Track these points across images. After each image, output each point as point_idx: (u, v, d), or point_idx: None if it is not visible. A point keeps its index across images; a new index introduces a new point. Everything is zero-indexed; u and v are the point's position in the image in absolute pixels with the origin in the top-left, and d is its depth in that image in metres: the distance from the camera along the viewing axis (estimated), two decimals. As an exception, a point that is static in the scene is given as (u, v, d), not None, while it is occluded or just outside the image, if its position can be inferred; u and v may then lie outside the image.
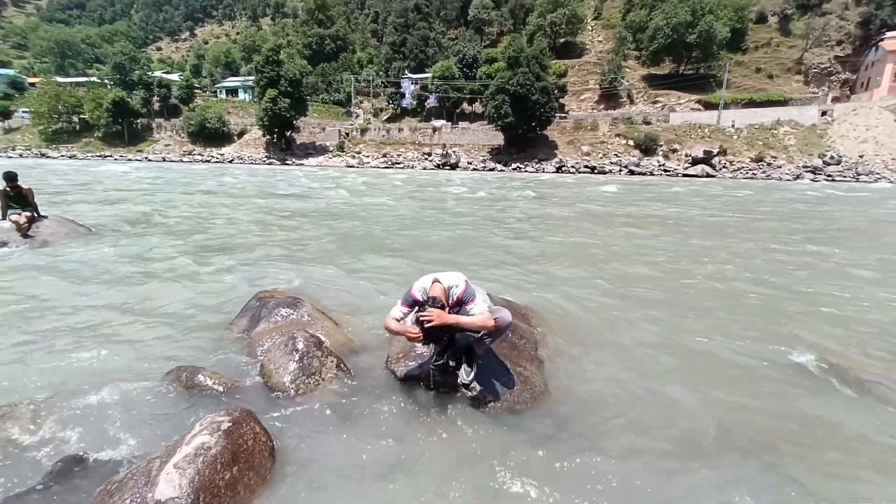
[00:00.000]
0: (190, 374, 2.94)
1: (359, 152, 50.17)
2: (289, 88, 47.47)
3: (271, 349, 3.20)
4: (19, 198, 7.38)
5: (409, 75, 60.16)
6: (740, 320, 4.57)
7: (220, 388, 2.89)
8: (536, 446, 2.55)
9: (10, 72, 76.55)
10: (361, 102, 63.79)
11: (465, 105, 55.61)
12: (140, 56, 66.86)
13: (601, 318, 4.59)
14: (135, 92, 58.09)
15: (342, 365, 3.20)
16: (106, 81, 62.45)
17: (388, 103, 61.17)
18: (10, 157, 50.74)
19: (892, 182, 31.72)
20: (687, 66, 53.49)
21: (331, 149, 51.54)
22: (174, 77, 67.63)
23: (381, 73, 63.50)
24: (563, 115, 49.22)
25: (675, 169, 38.20)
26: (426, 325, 2.55)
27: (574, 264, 6.73)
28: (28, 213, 7.34)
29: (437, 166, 43.95)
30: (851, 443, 2.70)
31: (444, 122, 52.40)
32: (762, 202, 17.34)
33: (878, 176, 33.64)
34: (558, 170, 40.64)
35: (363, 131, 54.29)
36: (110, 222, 9.34)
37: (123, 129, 56.00)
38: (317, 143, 53.01)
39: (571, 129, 47.20)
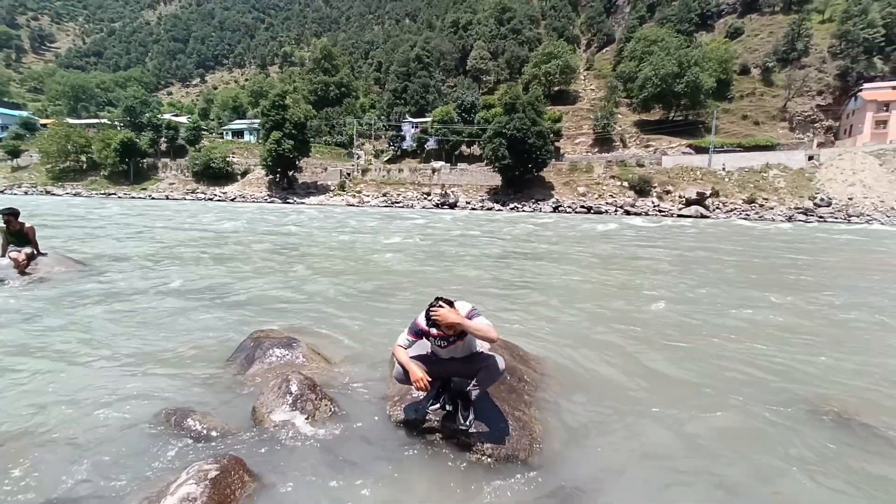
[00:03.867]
0: (180, 417, 2.86)
1: (359, 192, 51.13)
2: (293, 131, 49.10)
3: (264, 391, 3.14)
4: (20, 235, 7.42)
5: (410, 119, 62.44)
6: (746, 369, 4.51)
7: (211, 432, 2.80)
8: (536, 499, 2.45)
9: (24, 113, 79.40)
10: (363, 144, 65.80)
11: (463, 147, 57.35)
12: (151, 100, 69.67)
13: (602, 360, 4.53)
14: (143, 133, 59.96)
15: (336, 408, 3.12)
16: (116, 123, 64.62)
17: (389, 145, 63.09)
18: (16, 193, 51.54)
19: (882, 223, 32.27)
20: (676, 112, 55.82)
21: (332, 188, 52.56)
22: (182, 119, 70.10)
23: (382, 117, 65.95)
24: (558, 157, 50.72)
25: (670, 210, 38.90)
26: (432, 317, 2.60)
27: (575, 306, 6.71)
28: (28, 251, 7.36)
29: (437, 206, 44.66)
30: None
31: (443, 163, 53.82)
32: (768, 243, 17.53)
33: (868, 217, 34.27)
34: (555, 209, 41.31)
35: (364, 172, 55.60)
36: (109, 259, 9.36)
37: (129, 169, 57.28)
38: (318, 183, 54.12)
39: (567, 171, 48.44)
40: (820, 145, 49.70)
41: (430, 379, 2.73)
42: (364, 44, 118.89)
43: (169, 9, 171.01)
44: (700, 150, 48.68)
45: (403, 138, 60.98)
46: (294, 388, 3.01)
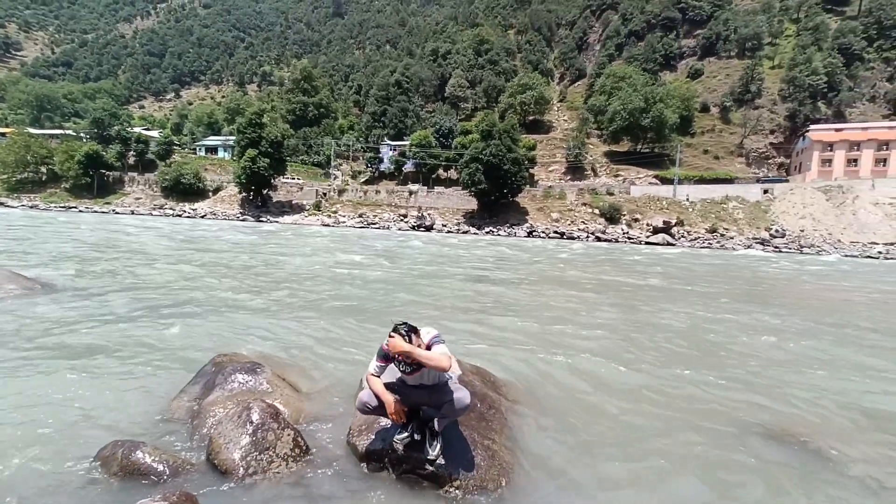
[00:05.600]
0: (127, 451, 2.67)
1: (335, 212, 50.71)
2: (269, 149, 48.62)
3: (222, 421, 2.98)
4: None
5: (388, 142, 63.06)
6: (712, 392, 4.63)
7: (161, 467, 2.63)
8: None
9: (-19, 122, 75.63)
10: (340, 165, 65.75)
11: (440, 171, 58.15)
12: (121, 112, 67.82)
13: (572, 385, 4.56)
14: (111, 146, 58.03)
15: (299, 439, 2.99)
16: (82, 135, 62.36)
17: (367, 167, 63.28)
18: (-36, 205, 48.41)
19: (832, 253, 34.42)
20: (643, 144, 58.72)
21: (307, 207, 51.92)
22: (154, 133, 68.37)
23: (361, 138, 66.37)
24: (533, 184, 52.10)
25: (639, 237, 40.31)
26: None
27: (546, 329, 6.77)
28: (-28, 267, 6.90)
29: (413, 227, 44.73)
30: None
31: (420, 186, 54.28)
32: (729, 271, 18.34)
33: (818, 248, 36.50)
34: (529, 234, 42.09)
35: (341, 192, 55.35)
36: (65, 277, 8.84)
37: (93, 181, 55.01)
38: (293, 202, 53.39)
39: (541, 197, 49.71)
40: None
41: (406, 410, 2.68)
42: (344, 67, 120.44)
43: (146, 23, 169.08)
44: (666, 180, 51.13)
45: (381, 160, 61.35)
46: (255, 417, 2.88)
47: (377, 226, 45.66)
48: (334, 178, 60.52)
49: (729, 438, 3.59)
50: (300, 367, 4.56)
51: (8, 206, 49.85)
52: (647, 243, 38.06)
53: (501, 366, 4.89)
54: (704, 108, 65.36)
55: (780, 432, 3.69)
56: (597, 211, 46.05)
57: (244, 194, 52.13)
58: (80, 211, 48.22)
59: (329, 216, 49.35)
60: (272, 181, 51.78)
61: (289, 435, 2.94)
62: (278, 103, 79.60)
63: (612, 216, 44.63)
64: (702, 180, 51.04)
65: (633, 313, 8.36)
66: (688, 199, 46.99)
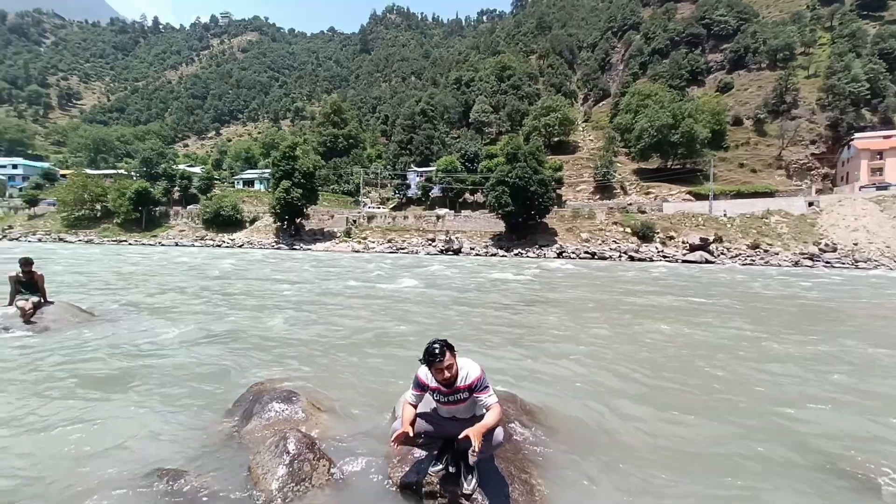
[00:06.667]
0: (171, 479, 2.75)
1: (365, 238, 51.80)
2: (302, 180, 50.69)
3: (261, 450, 3.02)
4: (30, 283, 7.50)
5: (415, 168, 64.52)
6: (759, 423, 4.32)
7: (203, 496, 2.68)
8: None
9: (45, 164, 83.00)
10: (369, 192, 67.59)
11: (467, 195, 58.72)
12: (167, 151, 72.80)
13: (611, 414, 4.36)
14: (158, 183, 62.10)
15: (334, 469, 2.99)
16: (133, 173, 67.15)
17: (395, 193, 64.77)
18: (30, 241, 52.64)
19: (892, 269, 31.97)
20: (674, 161, 57.42)
21: (338, 235, 53.33)
22: (196, 169, 72.83)
23: (388, 166, 68.28)
24: (560, 204, 51.69)
25: (674, 255, 38.90)
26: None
27: (583, 354, 6.56)
28: (35, 299, 7.41)
29: (441, 251, 44.97)
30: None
31: (447, 210, 54.87)
32: (786, 290, 17.34)
33: (876, 263, 34.01)
34: (559, 255, 41.44)
35: (370, 219, 56.65)
36: (115, 307, 9.37)
37: (142, 216, 58.77)
38: (325, 230, 55.01)
39: (570, 217, 49.12)
40: (818, 192, 50.47)
41: (411, 435, 2.66)
42: (372, 99, 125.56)
43: (190, 69, 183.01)
44: (700, 196, 49.53)
45: (409, 186, 62.68)
46: (291, 448, 2.91)
47: (406, 250, 46.20)
48: (364, 206, 62.14)
49: (802, 482, 3.31)
50: (335, 395, 4.58)
51: (67, 241, 53.83)
52: (683, 261, 36.64)
53: (537, 390, 4.75)
54: (737, 122, 63.62)
55: (858, 472, 3.38)
56: (628, 230, 44.96)
57: (279, 224, 54.21)
58: (130, 244, 51.42)
59: (359, 242, 50.43)
60: (305, 210, 53.70)
61: (324, 465, 2.95)
62: (310, 136, 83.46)
63: (644, 234, 43.42)
64: (739, 195, 49.12)
65: (680, 338, 7.99)
66: (725, 215, 45.19)
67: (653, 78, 73.80)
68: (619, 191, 56.81)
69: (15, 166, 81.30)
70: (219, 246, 50.56)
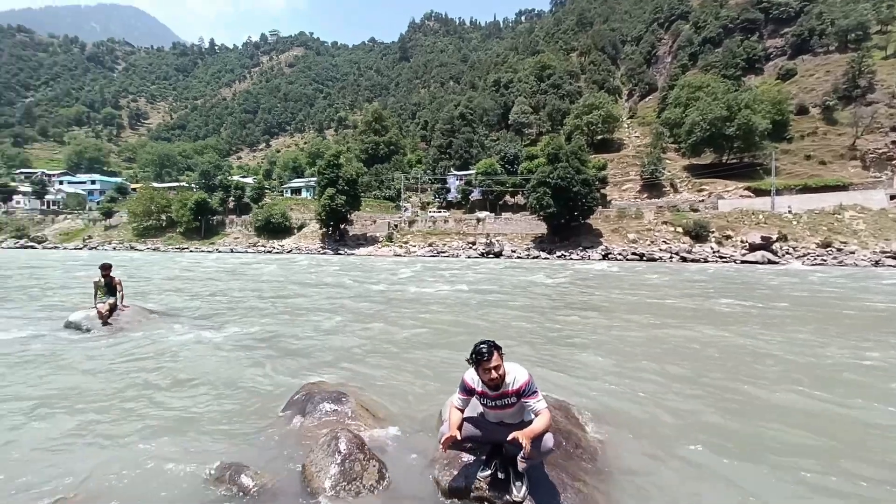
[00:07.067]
0: (234, 473, 2.90)
1: (406, 242, 52.60)
2: (346, 187, 52.37)
3: (314, 449, 3.12)
4: (109, 286, 8.24)
5: (455, 172, 64.77)
6: (823, 440, 3.92)
7: (262, 490, 2.81)
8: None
9: (118, 179, 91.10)
10: (410, 197, 68.61)
11: (507, 197, 58.16)
12: (223, 164, 77.68)
13: (667, 425, 4.12)
14: (215, 193, 66.33)
15: (384, 470, 3.03)
16: (193, 185, 72.20)
17: (435, 197, 65.34)
18: (106, 249, 57.91)
19: None
20: (730, 155, 53.88)
21: (380, 239, 54.54)
22: (249, 180, 77.11)
23: (428, 171, 69.01)
24: (605, 204, 49.97)
25: (732, 255, 36.41)
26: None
27: (635, 360, 6.28)
28: (112, 301, 8.12)
29: (482, 255, 44.79)
30: None
31: (487, 213, 54.61)
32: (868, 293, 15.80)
33: (975, 262, 30.11)
34: (605, 257, 40.03)
35: (411, 223, 57.47)
36: (178, 310, 10.09)
37: (201, 225, 63.02)
38: (368, 235, 56.45)
39: (616, 218, 47.36)
40: (901, 183, 45.46)
41: (458, 439, 2.64)
42: (411, 105, 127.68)
43: (242, 86, 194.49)
44: (760, 192, 46.08)
45: (448, 190, 63.02)
46: (343, 447, 2.97)
47: (446, 254, 46.42)
48: (404, 211, 63.16)
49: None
50: (381, 397, 4.66)
51: (137, 249, 58.73)
52: (743, 262, 34.21)
53: (587, 397, 4.59)
54: (802, 111, 58.70)
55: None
56: (679, 229, 42.63)
57: (324, 229, 56.24)
58: (191, 251, 55.27)
59: (400, 246, 51.26)
60: (348, 216, 55.39)
61: (374, 466, 2.99)
62: (353, 144, 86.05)
63: (698, 234, 40.98)
64: (806, 189, 45.19)
65: (741, 342, 7.46)
66: (790, 211, 41.74)
67: (704, 69, 69.75)
68: (668, 189, 54.04)
69: (93, 182, 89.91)
70: (269, 252, 53.21)
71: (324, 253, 50.82)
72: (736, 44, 70.74)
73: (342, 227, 55.94)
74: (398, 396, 4.72)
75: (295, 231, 60.69)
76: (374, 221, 58.58)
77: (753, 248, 36.09)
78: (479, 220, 53.04)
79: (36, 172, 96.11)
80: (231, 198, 68.05)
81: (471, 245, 48.46)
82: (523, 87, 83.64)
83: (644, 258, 38.28)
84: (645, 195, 53.71)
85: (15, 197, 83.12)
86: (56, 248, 61.19)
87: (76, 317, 7.78)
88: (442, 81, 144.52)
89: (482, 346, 2.57)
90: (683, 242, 40.89)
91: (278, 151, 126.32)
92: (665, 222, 44.52)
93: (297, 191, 76.97)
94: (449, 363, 5.99)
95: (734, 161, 52.95)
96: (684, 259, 36.80)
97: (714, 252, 37.86)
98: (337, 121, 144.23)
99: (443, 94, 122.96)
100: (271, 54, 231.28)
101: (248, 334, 7.72)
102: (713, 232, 41.15)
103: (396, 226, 56.78)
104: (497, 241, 47.73)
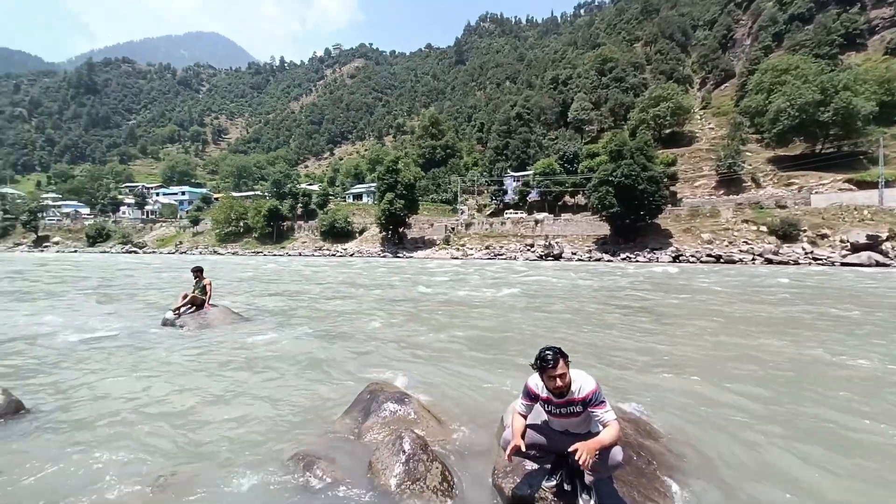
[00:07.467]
0: (307, 464, 3.08)
1: (463, 245, 52.85)
2: (404, 191, 53.82)
3: (379, 446, 3.22)
4: (202, 288, 9.16)
5: (512, 173, 64.02)
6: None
7: (334, 481, 2.97)
8: None
9: (204, 190, 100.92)
10: (466, 200, 68.89)
11: (567, 197, 56.41)
12: (292, 173, 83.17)
13: (749, 441, 3.74)
14: (285, 201, 71.22)
15: (447, 473, 3.05)
16: (266, 194, 78.08)
17: (492, 199, 64.99)
18: (193, 254, 64.37)
19: None
20: (825, 144, 47.99)
21: (437, 242, 55.33)
22: (314, 188, 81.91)
23: (484, 173, 68.84)
24: (675, 203, 46.69)
25: (829, 257, 32.35)
26: (579, 464, 2.36)
27: (722, 377, 5.79)
28: (201, 299, 9.01)
29: (540, 257, 43.81)
30: None
31: (546, 214, 53.33)
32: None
33: None
34: (675, 259, 37.41)
35: (468, 226, 57.68)
36: (258, 310, 10.94)
37: (273, 231, 67.94)
38: (425, 238, 57.51)
39: (687, 217, 44.11)
40: None
41: (524, 450, 2.61)
42: (467, 108, 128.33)
43: (308, 99, 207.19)
44: (865, 185, 40.48)
45: (505, 192, 62.41)
46: (407, 447, 3.04)
47: (504, 256, 45.97)
48: (461, 214, 63.51)
49: None
50: (442, 398, 4.70)
51: (219, 253, 64.60)
52: (843, 264, 30.28)
53: (659, 410, 4.30)
54: (916, 89, 50.81)
55: None
56: (763, 228, 38.67)
57: (384, 233, 58.19)
58: (264, 255, 59.77)
59: (457, 249, 51.62)
60: (406, 220, 56.82)
61: (437, 468, 3.02)
62: (410, 150, 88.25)
63: (786, 233, 36.87)
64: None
65: (849, 365, 6.61)
66: (902, 206, 36.27)
67: (791, 49, 62.78)
68: (749, 184, 49.26)
69: (183, 193, 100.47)
70: (333, 255, 56.05)
71: (383, 256, 52.54)
72: (831, 18, 62.97)
73: (400, 230, 57.50)
74: (458, 399, 4.74)
75: (357, 235, 63.39)
76: (432, 225, 59.55)
77: (857, 248, 31.89)
78: (537, 221, 51.97)
79: (137, 186, 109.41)
80: (299, 204, 72.66)
81: (529, 247, 47.61)
82: (583, 82, 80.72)
83: (721, 260, 35.28)
84: (721, 191, 49.46)
85: (122, 208, 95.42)
86: (153, 252, 69.07)
87: (171, 315, 8.72)
88: (498, 82, 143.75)
89: (547, 352, 2.52)
90: (768, 243, 37.07)
91: (341, 159, 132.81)
92: (746, 220, 40.69)
93: (358, 196, 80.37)
94: (507, 366, 5.91)
95: (830, 150, 47.09)
96: (769, 261, 33.36)
97: (806, 253, 33.93)
98: (395, 127, 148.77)
99: (499, 94, 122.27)
100: (334, 67, 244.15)
101: (314, 333, 8.17)
102: (804, 231, 36.88)
103: (453, 229, 57.28)
104: (556, 243, 46.45)
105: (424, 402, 4.27)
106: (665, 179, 44.06)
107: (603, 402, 2.54)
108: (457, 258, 47.30)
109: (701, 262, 35.55)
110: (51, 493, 2.93)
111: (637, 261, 38.10)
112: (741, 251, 36.47)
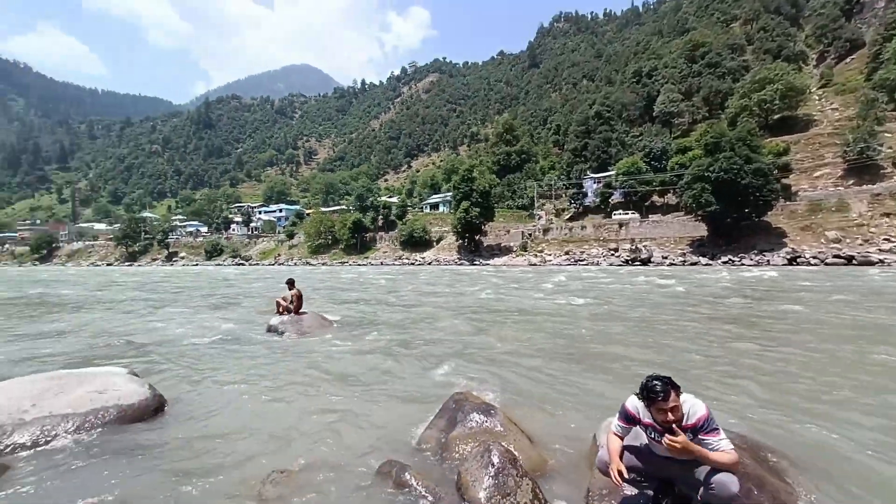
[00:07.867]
0: (398, 471, 3.15)
1: (541, 251, 51.49)
2: (479, 199, 54.06)
3: (468, 458, 3.19)
4: (294, 297, 10.02)
5: (591, 175, 61.14)
6: None
7: (423, 491, 2.99)
8: None
9: (297, 207, 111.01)
10: (543, 205, 67.12)
11: (654, 197, 52.37)
12: (373, 187, 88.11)
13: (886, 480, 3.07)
14: (367, 213, 75.54)
15: (538, 491, 2.92)
16: (350, 208, 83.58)
17: (570, 203, 62.59)
18: (289, 265, 70.90)
19: None
20: None
21: (514, 249, 54.55)
22: (394, 199, 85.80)
23: (562, 176, 66.59)
24: (789, 197, 40.89)
25: None
26: (670, 447, 2.25)
27: (858, 390, 4.91)
28: (294, 307, 9.86)
29: (626, 262, 41.07)
30: None
31: (631, 215, 49.98)
32: None
33: None
34: (791, 261, 32.68)
35: (545, 231, 56.12)
36: (352, 318, 11.68)
37: (357, 242, 72.37)
38: (502, 245, 57.07)
39: (806, 213, 38.42)
40: None
41: (626, 476, 2.40)
42: (542, 112, 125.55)
43: (387, 116, 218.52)
44: None
45: (585, 195, 59.74)
46: (496, 460, 2.97)
47: (585, 262, 43.88)
48: (538, 219, 62.01)
49: None
50: (528, 410, 4.56)
51: (310, 264, 70.38)
52: None
53: (787, 436, 3.73)
54: None
55: None
56: (909, 222, 32.28)
57: (460, 241, 58.90)
58: (349, 265, 63.84)
59: (535, 255, 50.40)
60: (482, 227, 56.93)
61: (527, 484, 2.91)
62: (485, 157, 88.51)
63: (942, 228, 30.41)
64: None
65: None
66: None
67: (940, 6, 52.18)
68: (889, 170, 41.44)
69: (280, 210, 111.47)
70: (412, 264, 57.97)
71: (460, 264, 53.11)
72: None
73: (476, 238, 57.76)
74: (544, 412, 4.56)
75: (434, 244, 64.97)
76: (508, 231, 58.97)
77: None
78: (620, 224, 48.91)
79: (244, 206, 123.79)
80: (380, 216, 76.61)
81: (612, 252, 44.94)
82: (670, 72, 74.79)
83: (853, 262, 30.09)
84: (851, 181, 42.33)
85: (232, 226, 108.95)
86: (257, 264, 77.38)
87: (274, 321, 9.63)
88: (574, 82, 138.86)
89: (655, 383, 2.30)
90: (918, 239, 30.84)
91: (418, 171, 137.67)
92: (886, 214, 34.32)
93: (435, 206, 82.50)
94: (595, 380, 5.57)
95: None
96: (921, 261, 27.67)
97: (975, 251, 27.61)
98: (469, 136, 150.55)
99: (575, 94, 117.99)
100: (410, 83, 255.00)
101: (400, 341, 8.47)
102: (972, 223, 30.08)
103: (530, 234, 56.11)
104: (644, 246, 43.23)
105: (511, 415, 4.17)
106: (775, 171, 38.86)
107: (716, 429, 2.28)
108: (535, 264, 46.16)
109: (826, 263, 30.63)
110: (184, 476, 3.36)
111: (743, 263, 33.98)
112: (881, 251, 30.76)
